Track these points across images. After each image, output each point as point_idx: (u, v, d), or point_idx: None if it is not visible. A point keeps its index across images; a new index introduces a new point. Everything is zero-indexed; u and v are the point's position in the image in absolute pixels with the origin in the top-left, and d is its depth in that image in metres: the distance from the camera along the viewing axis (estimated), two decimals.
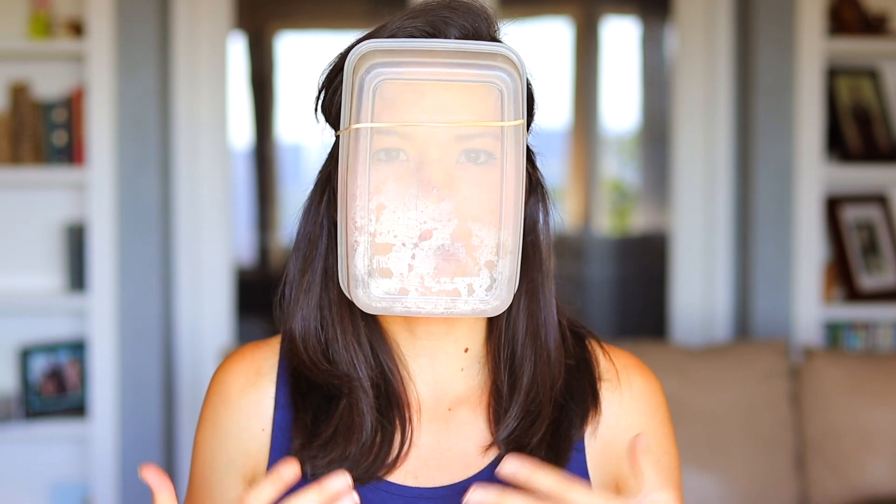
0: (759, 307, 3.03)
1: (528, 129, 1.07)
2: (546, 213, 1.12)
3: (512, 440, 1.08)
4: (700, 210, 3.22)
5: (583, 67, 5.23)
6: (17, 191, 3.09)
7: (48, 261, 3.10)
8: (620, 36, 5.37)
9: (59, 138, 2.99)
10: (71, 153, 2.99)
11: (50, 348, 3.03)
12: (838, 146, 3.11)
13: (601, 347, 1.17)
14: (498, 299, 0.99)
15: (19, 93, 2.97)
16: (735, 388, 2.72)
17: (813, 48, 2.96)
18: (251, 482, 1.14)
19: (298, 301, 1.11)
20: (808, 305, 3.01)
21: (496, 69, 0.98)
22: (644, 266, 4.93)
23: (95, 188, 2.92)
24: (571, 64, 5.26)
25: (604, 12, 5.29)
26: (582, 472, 1.11)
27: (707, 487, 2.65)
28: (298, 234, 1.12)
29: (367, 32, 1.06)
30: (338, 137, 1.06)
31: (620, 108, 5.33)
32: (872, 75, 3.17)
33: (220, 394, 1.16)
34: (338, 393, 1.10)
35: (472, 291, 0.98)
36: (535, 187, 1.11)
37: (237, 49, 5.31)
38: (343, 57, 1.05)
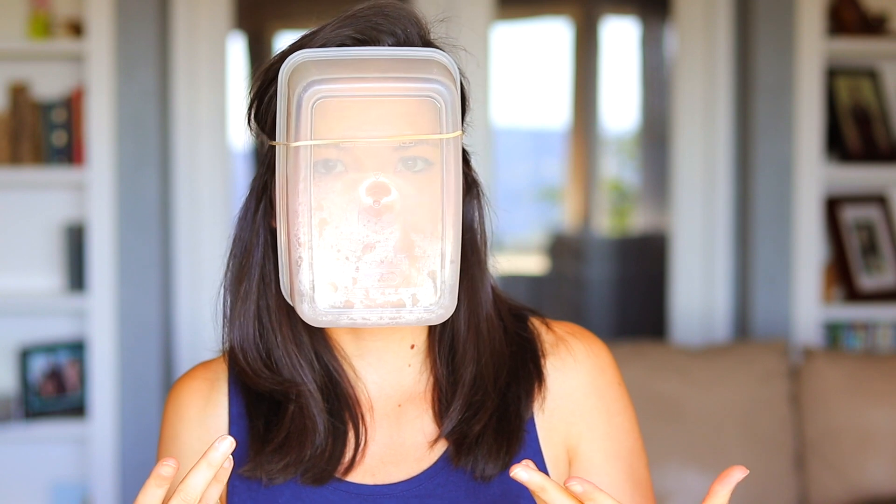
0: (758, 307, 3.04)
1: (462, 130, 1.07)
2: (481, 211, 1.14)
3: (456, 432, 1.11)
4: (700, 210, 3.22)
5: (583, 67, 5.24)
6: (17, 191, 3.09)
7: (48, 261, 3.10)
8: (620, 36, 5.38)
9: (59, 138, 2.99)
10: (70, 153, 2.99)
11: (50, 348, 3.03)
12: (838, 146, 3.11)
13: (544, 324, 1.19)
14: (442, 307, 1.00)
15: (19, 93, 2.97)
16: (735, 388, 2.72)
17: (813, 48, 2.96)
18: None
19: (235, 310, 1.12)
20: (808, 305, 3.01)
21: (433, 82, 0.98)
22: (644, 266, 4.93)
23: (95, 188, 2.92)
24: (571, 64, 5.26)
25: (603, 12, 5.29)
26: (535, 450, 1.13)
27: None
28: (234, 241, 1.13)
29: (296, 41, 1.06)
30: (272, 147, 1.06)
31: (620, 108, 5.33)
32: (872, 75, 3.17)
33: (178, 414, 1.17)
34: (285, 399, 1.11)
35: (416, 301, 0.99)
36: (470, 187, 1.13)
37: (237, 49, 5.30)
38: (273, 66, 1.05)
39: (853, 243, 3.13)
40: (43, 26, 2.94)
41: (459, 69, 1.04)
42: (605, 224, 5.54)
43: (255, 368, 1.11)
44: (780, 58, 2.99)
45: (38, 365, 3.01)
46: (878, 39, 3.04)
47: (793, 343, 2.98)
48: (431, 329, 1.14)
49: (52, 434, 2.97)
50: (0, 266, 3.09)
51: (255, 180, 1.13)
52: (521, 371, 1.15)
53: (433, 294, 1.00)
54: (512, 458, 1.10)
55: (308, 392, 1.10)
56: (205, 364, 1.20)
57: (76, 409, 3.04)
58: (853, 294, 3.09)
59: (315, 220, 0.98)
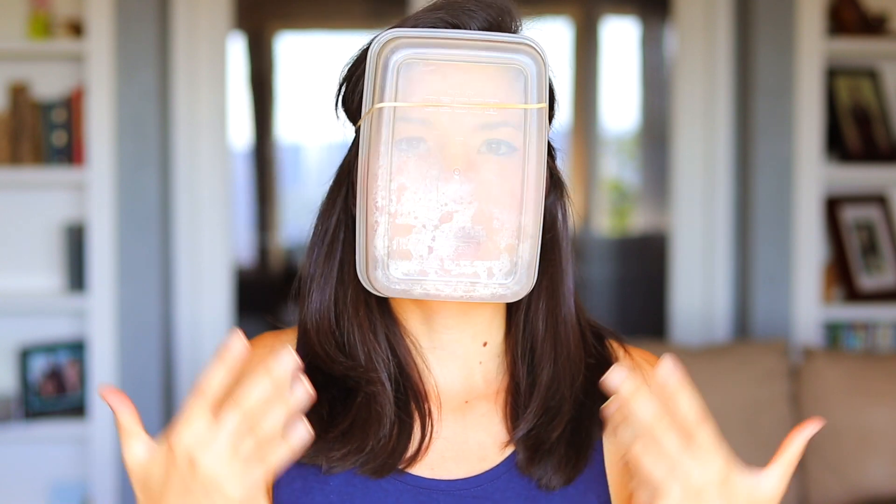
0: (758, 307, 3.04)
1: (549, 124, 1.06)
2: (565, 213, 1.11)
3: (530, 437, 1.07)
4: (700, 210, 3.22)
5: (583, 67, 5.23)
6: (17, 191, 3.09)
7: (48, 261, 3.10)
8: (620, 36, 5.37)
9: (59, 138, 2.99)
10: (70, 153, 2.99)
11: (49, 348, 3.03)
12: (838, 146, 3.11)
13: (622, 347, 1.16)
14: (518, 284, 0.98)
15: (19, 93, 2.97)
16: (735, 388, 2.72)
17: (813, 48, 2.96)
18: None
19: (313, 294, 1.10)
20: (808, 305, 3.01)
21: (521, 53, 0.98)
22: (644, 266, 4.93)
23: (95, 188, 2.92)
24: (571, 64, 5.26)
25: (603, 12, 5.29)
26: (600, 471, 1.10)
27: None
28: (315, 228, 1.12)
29: (390, 27, 1.06)
30: (358, 129, 1.05)
31: (620, 108, 5.33)
32: (872, 75, 3.17)
33: None
34: (355, 386, 1.08)
35: (491, 275, 0.98)
36: (556, 184, 1.11)
37: (237, 49, 5.31)
38: (365, 50, 1.05)
39: (853, 243, 3.13)
40: (43, 26, 2.94)
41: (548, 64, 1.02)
42: (605, 224, 5.54)
43: (329, 352, 1.09)
44: (780, 58, 2.99)
45: (38, 365, 3.01)
46: (878, 39, 3.04)
47: (793, 343, 2.98)
48: (508, 328, 1.12)
49: (52, 434, 2.97)
50: (0, 266, 3.09)
51: (340, 167, 1.11)
52: (597, 389, 1.09)
53: (509, 269, 0.98)
54: (578, 473, 1.06)
55: (379, 381, 1.07)
56: (275, 333, 1.16)
57: (76, 409, 3.04)
58: (853, 294, 3.09)
59: (394, 184, 0.96)
